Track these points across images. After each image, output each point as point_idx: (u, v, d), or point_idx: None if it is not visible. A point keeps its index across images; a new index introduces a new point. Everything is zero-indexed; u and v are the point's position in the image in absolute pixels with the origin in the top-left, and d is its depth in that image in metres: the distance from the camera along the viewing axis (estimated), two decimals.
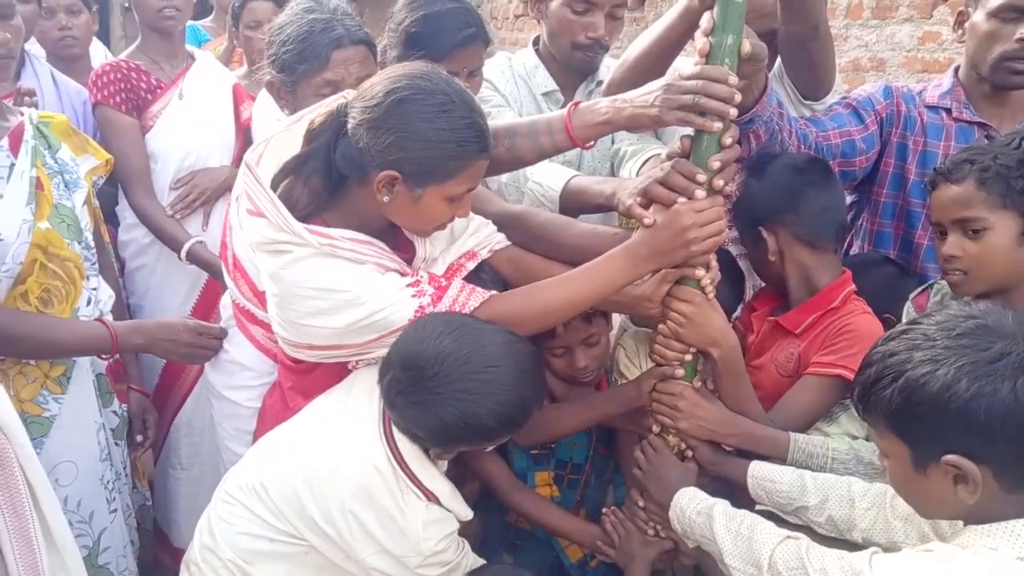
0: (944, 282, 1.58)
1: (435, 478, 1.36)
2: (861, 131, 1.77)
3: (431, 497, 1.35)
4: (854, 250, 1.98)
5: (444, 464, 1.45)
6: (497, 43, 5.96)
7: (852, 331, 1.52)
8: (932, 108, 1.82)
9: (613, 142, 1.96)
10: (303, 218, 1.37)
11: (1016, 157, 1.40)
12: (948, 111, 1.81)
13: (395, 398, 1.32)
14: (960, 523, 1.05)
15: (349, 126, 1.32)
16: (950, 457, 0.98)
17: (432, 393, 1.28)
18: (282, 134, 1.44)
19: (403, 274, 1.41)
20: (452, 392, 1.28)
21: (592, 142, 1.44)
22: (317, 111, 1.43)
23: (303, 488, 1.34)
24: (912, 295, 1.69)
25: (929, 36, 3.12)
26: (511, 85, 2.02)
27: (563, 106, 1.92)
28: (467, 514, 1.39)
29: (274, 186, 1.37)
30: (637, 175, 1.74)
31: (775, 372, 1.58)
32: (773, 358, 1.60)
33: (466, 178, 1.33)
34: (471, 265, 1.55)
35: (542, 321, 1.43)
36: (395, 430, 1.35)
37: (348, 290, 1.33)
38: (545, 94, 2.02)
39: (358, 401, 1.41)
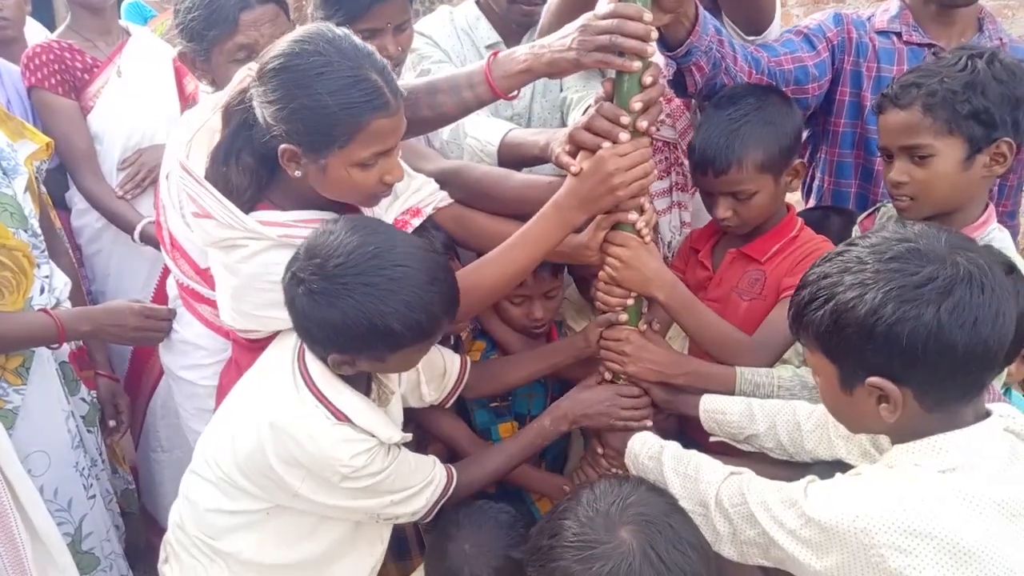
0: (890, 205, 1.58)
1: (342, 394, 1.31)
2: (813, 57, 1.74)
3: (340, 416, 1.30)
4: (816, 183, 1.96)
5: (398, 408, 1.44)
6: None
7: (821, 252, 1.50)
8: (882, 33, 1.80)
9: (561, 90, 1.92)
10: (249, 204, 1.34)
11: (962, 80, 1.38)
12: (898, 35, 1.79)
13: (295, 290, 1.23)
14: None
15: (253, 100, 1.29)
16: (873, 379, 1.00)
17: (335, 283, 1.20)
18: (204, 127, 1.40)
19: None
20: (357, 284, 1.19)
21: (515, 92, 1.41)
22: (231, 89, 1.39)
23: (231, 441, 1.35)
24: (859, 218, 1.68)
25: None
26: (453, 40, 1.96)
27: None
28: (388, 434, 1.33)
29: (210, 179, 1.34)
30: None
31: (737, 299, 1.59)
32: (735, 287, 1.60)
33: (366, 141, 1.25)
34: (416, 222, 1.53)
35: (494, 294, 1.44)
36: (307, 353, 1.32)
37: None
38: (488, 46, 1.96)
39: (279, 344, 1.40)
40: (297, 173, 1.29)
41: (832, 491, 1.04)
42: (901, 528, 0.94)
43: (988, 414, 1.03)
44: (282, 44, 1.26)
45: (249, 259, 1.32)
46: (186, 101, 2.36)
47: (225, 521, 1.41)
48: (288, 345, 1.38)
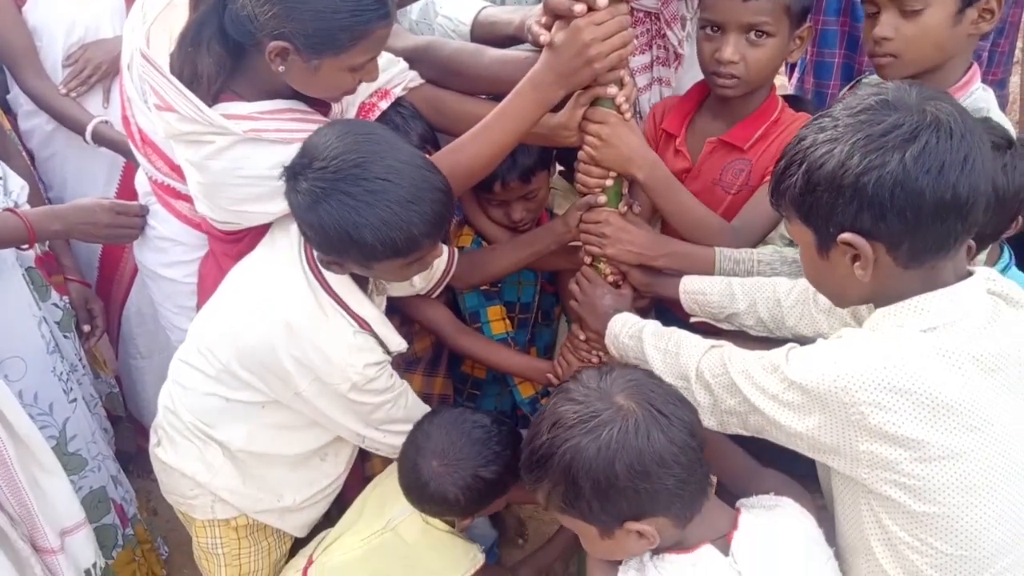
0: (873, 77, 1.55)
1: (362, 303, 1.35)
2: None
3: (361, 323, 1.34)
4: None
5: (382, 304, 1.45)
6: None
7: None
8: None
9: None
10: (215, 94, 1.29)
11: None
12: None
13: (289, 185, 1.25)
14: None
15: None
16: (844, 235, 0.99)
17: (315, 184, 1.20)
18: (167, 9, 1.33)
19: None
20: (335, 191, 1.20)
21: None
22: None
23: (237, 335, 1.35)
24: (842, 92, 1.67)
25: None
26: None
27: None
28: (398, 343, 1.39)
29: (174, 67, 1.28)
30: None
31: (722, 193, 1.55)
32: (717, 180, 1.56)
33: (365, 47, 1.24)
34: (383, 104, 1.48)
35: (471, 177, 1.41)
36: (316, 255, 1.33)
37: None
38: None
39: (279, 243, 1.39)
40: (280, 68, 1.24)
41: (814, 354, 1.04)
42: (881, 385, 0.95)
43: (970, 275, 1.04)
44: None
45: (217, 155, 1.29)
46: None
47: (220, 407, 1.43)
48: (290, 240, 1.37)
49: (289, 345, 1.31)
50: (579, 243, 1.53)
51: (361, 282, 1.38)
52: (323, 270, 1.32)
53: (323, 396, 1.36)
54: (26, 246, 1.73)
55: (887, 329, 1.02)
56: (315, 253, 1.31)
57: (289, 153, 1.30)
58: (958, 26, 1.36)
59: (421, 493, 1.43)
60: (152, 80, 1.29)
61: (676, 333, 1.28)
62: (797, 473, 1.27)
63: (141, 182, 1.78)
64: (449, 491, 1.40)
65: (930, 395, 0.95)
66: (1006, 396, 0.99)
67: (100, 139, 2.08)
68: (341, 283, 1.33)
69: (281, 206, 1.32)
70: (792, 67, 1.96)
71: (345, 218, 1.20)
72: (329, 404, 1.38)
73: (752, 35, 1.42)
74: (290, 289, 1.33)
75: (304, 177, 1.22)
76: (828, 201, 0.99)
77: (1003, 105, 1.56)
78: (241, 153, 1.28)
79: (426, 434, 1.44)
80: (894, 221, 0.96)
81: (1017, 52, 1.95)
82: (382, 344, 1.38)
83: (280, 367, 1.33)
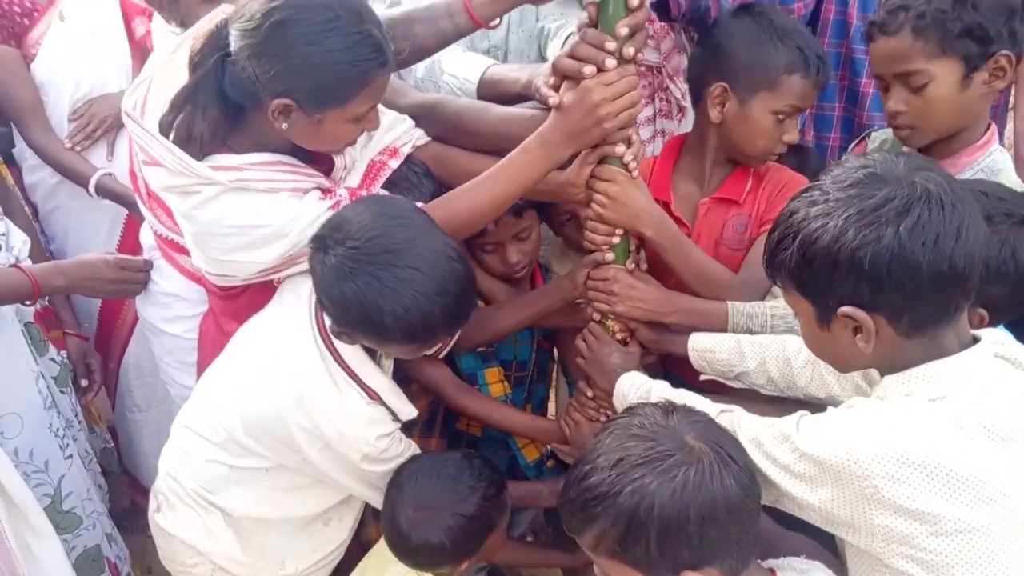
0: (882, 130, 1.57)
1: (374, 374, 1.34)
2: None
3: (372, 395, 1.33)
4: None
5: (389, 368, 1.44)
6: None
7: (794, 182, 1.50)
8: None
9: (538, 19, 1.85)
10: (206, 151, 1.29)
11: None
12: None
13: (314, 256, 1.25)
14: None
15: (232, 49, 1.22)
16: (844, 308, 0.98)
17: (346, 263, 1.21)
18: (165, 68, 1.34)
19: (323, 191, 1.36)
20: (363, 272, 1.20)
21: (496, 20, 1.37)
22: (196, 34, 1.32)
23: (244, 404, 1.34)
24: (851, 146, 1.68)
25: None
26: None
27: None
28: (409, 412, 1.38)
29: (163, 127, 1.29)
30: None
31: (726, 251, 1.54)
32: (720, 240, 1.56)
33: (367, 96, 1.25)
34: (394, 163, 1.48)
35: (469, 227, 1.41)
36: (328, 325, 1.32)
37: (268, 224, 1.28)
38: None
39: (288, 309, 1.38)
40: (284, 126, 1.25)
41: (824, 424, 1.02)
42: (894, 458, 0.94)
43: (976, 340, 1.03)
44: None
45: (204, 205, 1.29)
46: (137, 46, 2.23)
47: (224, 474, 1.41)
48: (301, 305, 1.35)
49: (299, 417, 1.29)
50: (583, 301, 1.51)
51: (371, 350, 1.37)
52: (334, 339, 1.31)
53: (332, 463, 1.35)
54: (29, 302, 1.72)
55: (895, 397, 1.01)
56: (327, 321, 1.30)
57: (276, 202, 1.29)
58: (968, 90, 1.37)
59: (406, 547, 1.38)
60: (137, 137, 1.30)
61: (685, 396, 1.26)
62: (814, 534, 1.23)
63: (146, 236, 1.78)
64: (432, 536, 1.35)
65: (945, 468, 0.93)
66: (1020, 466, 0.97)
67: (104, 191, 2.09)
68: (353, 354, 1.32)
69: (271, 256, 1.31)
70: None
71: (369, 300, 1.20)
72: (338, 471, 1.36)
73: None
74: (301, 359, 1.32)
75: (334, 251, 1.22)
76: (825, 275, 0.98)
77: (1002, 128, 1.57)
78: (227, 202, 1.28)
79: (398, 486, 1.40)
80: (893, 294, 0.96)
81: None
82: (392, 412, 1.37)
83: (289, 437, 1.31)
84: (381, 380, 1.34)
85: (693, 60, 1.58)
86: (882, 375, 1.05)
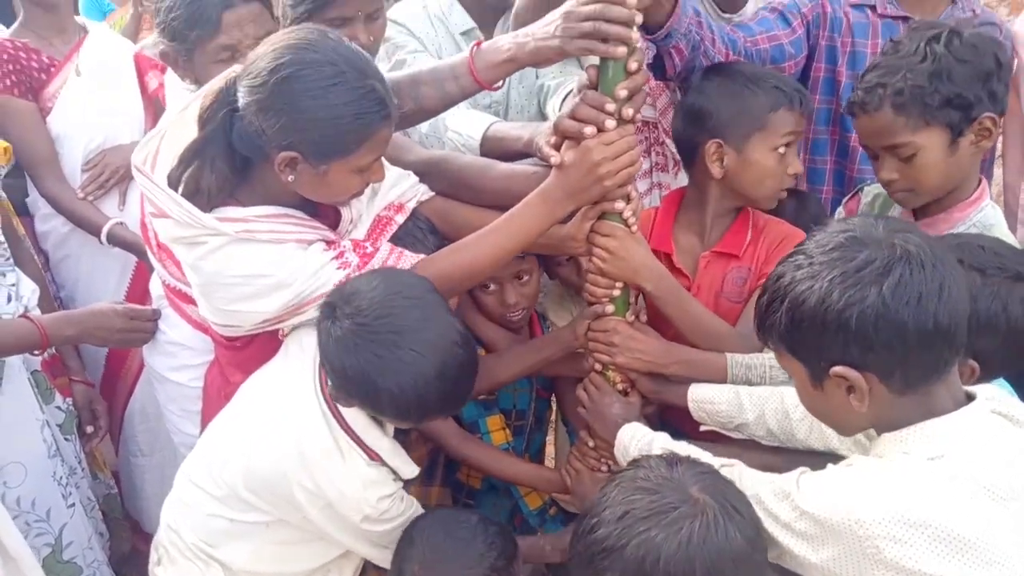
0: (874, 185, 1.59)
1: (376, 434, 1.35)
2: (789, 35, 1.75)
3: (373, 455, 1.34)
4: None
5: (391, 427, 1.45)
6: None
7: (792, 236, 1.53)
8: (856, 7, 1.80)
9: (537, 77, 1.91)
10: (214, 204, 1.33)
11: (926, 71, 1.36)
12: (872, 8, 1.79)
13: (322, 322, 1.28)
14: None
15: (240, 105, 1.27)
16: (836, 369, 0.99)
17: (352, 337, 1.23)
18: (176, 124, 1.38)
19: (327, 243, 1.38)
20: (367, 348, 1.23)
21: (500, 82, 1.40)
22: (207, 91, 1.36)
23: (247, 460, 1.34)
24: (844, 200, 1.71)
25: None
26: (427, 26, 1.93)
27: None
28: (411, 471, 1.38)
29: (172, 180, 1.32)
30: (560, 110, 1.71)
31: (726, 304, 1.56)
32: (720, 292, 1.57)
33: (371, 148, 1.28)
34: (400, 219, 1.51)
35: (470, 280, 1.44)
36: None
37: (271, 274, 1.30)
38: (463, 33, 1.94)
39: (293, 363, 1.39)
40: (291, 178, 1.28)
41: (824, 483, 1.03)
42: (895, 518, 0.93)
43: (971, 397, 1.04)
44: (282, 50, 1.24)
45: (208, 255, 1.31)
46: (149, 99, 2.31)
47: (224, 528, 1.40)
48: (305, 362, 1.36)
49: (301, 477, 1.30)
50: (583, 351, 1.53)
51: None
52: (337, 401, 1.33)
53: (333, 522, 1.35)
54: (37, 351, 1.74)
55: (894, 456, 1.01)
56: (329, 386, 1.32)
57: (280, 252, 1.32)
58: (957, 154, 1.39)
59: None
60: (145, 189, 1.33)
61: (686, 449, 1.26)
62: None
63: (155, 286, 1.81)
64: None
65: (947, 529, 0.93)
66: (1022, 525, 0.97)
67: (115, 240, 2.13)
68: (355, 414, 1.33)
69: (274, 305, 1.33)
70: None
71: (368, 375, 1.23)
72: (338, 530, 1.36)
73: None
74: (304, 419, 1.33)
75: (341, 324, 1.24)
76: (814, 337, 1.00)
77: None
78: (233, 252, 1.30)
79: (409, 540, 1.38)
80: (882, 352, 0.97)
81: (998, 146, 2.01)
82: (394, 471, 1.38)
83: (291, 495, 1.32)
84: (383, 440, 1.35)
85: (678, 125, 1.62)
86: (879, 433, 1.06)
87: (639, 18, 1.27)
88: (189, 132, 1.36)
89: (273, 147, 1.26)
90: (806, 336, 1.01)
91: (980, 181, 1.49)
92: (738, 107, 1.49)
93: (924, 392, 1.01)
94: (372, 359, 1.23)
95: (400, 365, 1.22)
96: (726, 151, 1.51)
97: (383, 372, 1.22)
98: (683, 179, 1.85)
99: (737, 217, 1.58)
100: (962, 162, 1.42)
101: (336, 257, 1.35)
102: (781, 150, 1.50)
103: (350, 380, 1.25)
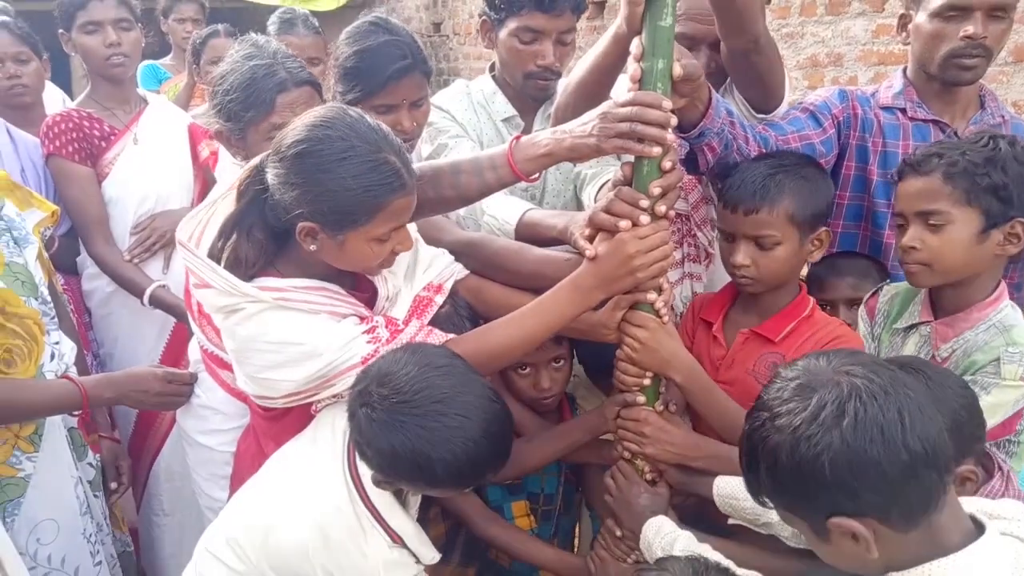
0: (893, 284, 1.60)
1: (400, 517, 1.36)
2: (820, 134, 1.79)
3: (395, 538, 1.34)
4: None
5: (415, 504, 1.46)
6: (461, 58, 5.99)
7: (844, 337, 1.52)
8: (887, 109, 1.84)
9: (574, 165, 1.96)
10: (253, 274, 1.38)
11: (984, 155, 1.41)
12: (903, 110, 1.83)
13: (358, 410, 1.28)
14: None
15: (268, 179, 1.33)
16: (832, 521, 0.96)
17: (395, 416, 1.25)
18: (225, 197, 1.45)
19: (360, 318, 1.42)
20: (414, 424, 1.24)
21: (536, 174, 1.45)
22: (248, 166, 1.43)
23: (268, 534, 1.35)
24: (865, 299, 1.71)
25: (883, 29, 3.16)
26: (470, 113, 2.02)
27: (524, 131, 1.95)
28: (432, 557, 1.38)
29: (214, 252, 1.38)
30: (595, 200, 1.73)
31: (754, 383, 1.54)
32: (751, 370, 1.57)
33: (385, 219, 1.31)
34: (439, 299, 1.55)
35: (499, 361, 1.46)
36: (360, 467, 1.35)
37: (303, 342, 1.34)
38: (505, 120, 2.02)
39: (321, 441, 1.41)
40: (312, 247, 1.33)
41: None
42: None
43: (980, 524, 0.99)
44: (301, 128, 1.31)
45: (244, 321, 1.35)
46: (200, 167, 2.42)
47: None
48: (334, 442, 1.38)
49: (323, 556, 1.31)
50: (612, 437, 1.53)
51: (399, 493, 1.39)
52: (363, 479, 1.34)
53: None
54: (78, 412, 1.78)
55: None
56: (359, 464, 1.33)
57: (313, 322, 1.35)
58: (983, 244, 1.42)
59: None
60: (188, 262, 1.39)
61: (708, 552, 1.25)
62: None
63: (194, 349, 1.85)
64: None
65: None
66: None
67: (156, 302, 2.21)
68: (381, 496, 1.34)
69: (303, 374, 1.35)
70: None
71: (419, 450, 1.23)
72: None
73: (759, 243, 1.50)
74: (330, 498, 1.34)
75: (380, 405, 1.26)
76: (799, 492, 0.97)
77: (1021, 305, 1.58)
78: (268, 319, 1.34)
79: None
80: (869, 495, 0.93)
81: None
82: (415, 554, 1.38)
83: (312, 571, 1.32)
84: (407, 524, 1.36)
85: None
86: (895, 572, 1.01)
87: (674, 120, 1.32)
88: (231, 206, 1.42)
89: (294, 217, 1.31)
90: (793, 494, 0.99)
91: (999, 283, 1.50)
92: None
93: (926, 526, 0.97)
94: (420, 432, 1.23)
95: (448, 432, 1.23)
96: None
97: (433, 443, 1.23)
98: (714, 270, 1.88)
99: (788, 305, 1.58)
100: (985, 256, 1.44)
101: (368, 331, 1.38)
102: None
103: (400, 459, 1.25)
